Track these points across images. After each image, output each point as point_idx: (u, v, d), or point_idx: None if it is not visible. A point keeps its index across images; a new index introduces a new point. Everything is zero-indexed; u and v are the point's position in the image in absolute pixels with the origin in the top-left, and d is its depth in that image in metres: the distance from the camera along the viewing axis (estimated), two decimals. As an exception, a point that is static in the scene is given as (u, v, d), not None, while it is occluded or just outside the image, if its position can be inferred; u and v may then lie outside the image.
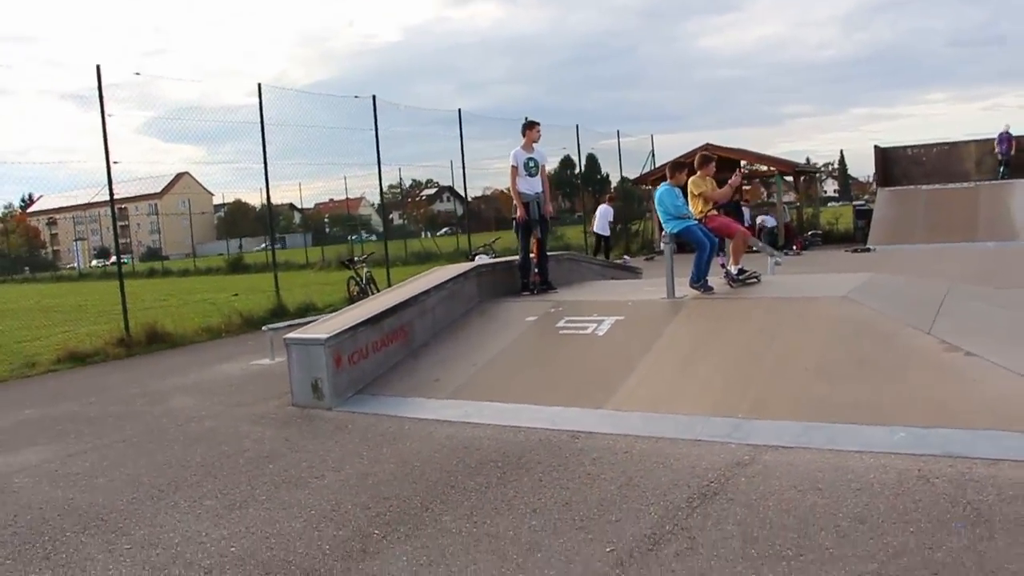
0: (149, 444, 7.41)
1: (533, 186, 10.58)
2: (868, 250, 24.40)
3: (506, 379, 8.04)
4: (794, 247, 26.20)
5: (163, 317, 15.60)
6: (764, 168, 31.10)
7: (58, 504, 5.91)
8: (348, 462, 6.38)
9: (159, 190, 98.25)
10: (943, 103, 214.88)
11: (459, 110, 22.38)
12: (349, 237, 51.79)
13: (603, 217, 25.34)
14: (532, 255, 10.72)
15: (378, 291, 18.27)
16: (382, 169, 19.36)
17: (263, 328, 12.14)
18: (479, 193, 61.92)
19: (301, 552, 4.69)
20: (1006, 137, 28.25)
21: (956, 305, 8.82)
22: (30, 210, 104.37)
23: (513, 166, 10.46)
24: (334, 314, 9.76)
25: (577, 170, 34.59)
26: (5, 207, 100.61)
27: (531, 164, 10.52)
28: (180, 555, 4.77)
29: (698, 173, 9.80)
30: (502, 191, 58.10)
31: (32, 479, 6.62)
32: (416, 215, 73.79)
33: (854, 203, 39.55)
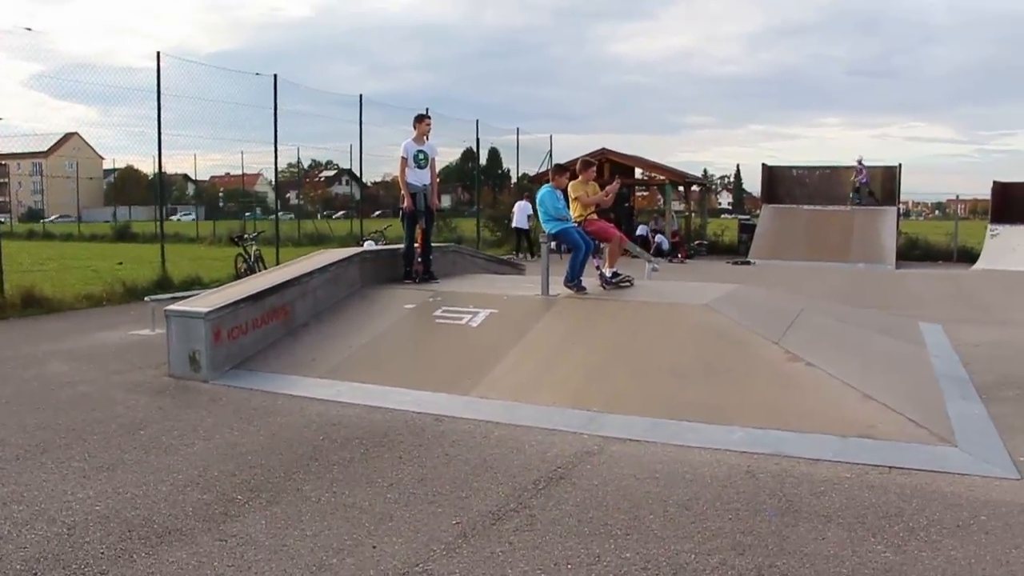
0: (18, 407, 7.42)
1: (421, 178, 10.88)
2: (748, 263, 25.47)
3: (379, 362, 8.35)
4: (679, 255, 27.09)
5: (42, 281, 15.30)
6: (660, 177, 31.97)
7: (-79, 458, 5.96)
8: (218, 432, 6.60)
9: (45, 149, 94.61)
10: (837, 127, 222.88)
11: (360, 96, 22.52)
12: (244, 214, 50.96)
13: (522, 212, 25.97)
14: (417, 245, 11.03)
15: (266, 270, 18.31)
16: (278, 148, 19.32)
17: (145, 299, 12.15)
18: (379, 179, 61.63)
19: (165, 513, 4.91)
20: (860, 169, 29.77)
21: (809, 319, 9.50)
22: None
23: (403, 157, 10.74)
24: (217, 289, 9.90)
25: (478, 163, 34.95)
26: None
27: (420, 156, 10.82)
28: (44, 512, 4.93)
29: (579, 177, 10.27)
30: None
31: None
32: (313, 196, 73.01)
33: (739, 217, 40.99)
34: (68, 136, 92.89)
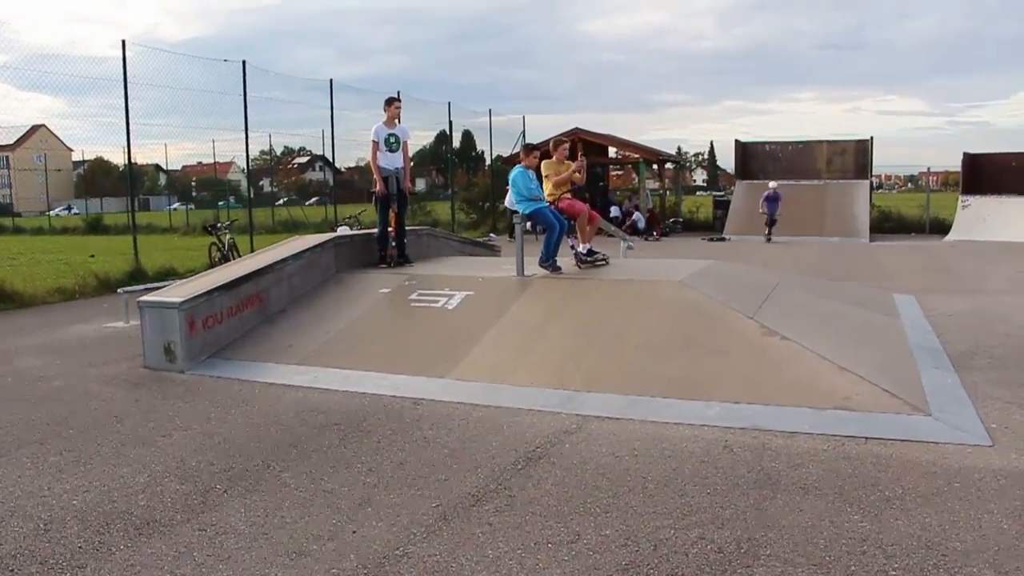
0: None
1: (393, 161, 10.84)
2: (723, 239, 25.62)
3: (356, 347, 8.33)
4: (654, 233, 27.16)
5: (12, 276, 15.14)
6: (634, 155, 32.00)
7: None
8: (196, 422, 6.57)
9: (11, 142, 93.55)
10: (810, 102, 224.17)
11: (330, 80, 22.34)
12: (218, 203, 50.68)
13: None
14: (391, 229, 10.99)
15: (240, 258, 18.20)
16: (249, 136, 19.20)
17: (118, 291, 12.03)
18: (353, 164, 61.42)
19: (143, 504, 4.89)
20: (773, 196, 26.31)
21: (783, 294, 9.55)
22: None
23: (374, 141, 10.69)
24: (191, 278, 9.82)
25: (451, 146, 34.85)
26: None
27: (392, 140, 10.77)
28: (20, 508, 4.89)
29: (552, 157, 10.26)
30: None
31: None
32: (287, 183, 72.60)
33: (714, 194, 41.16)
34: (35, 128, 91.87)
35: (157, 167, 73.48)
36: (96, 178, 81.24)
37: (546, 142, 11.03)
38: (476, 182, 34.58)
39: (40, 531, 4.55)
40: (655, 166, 34.10)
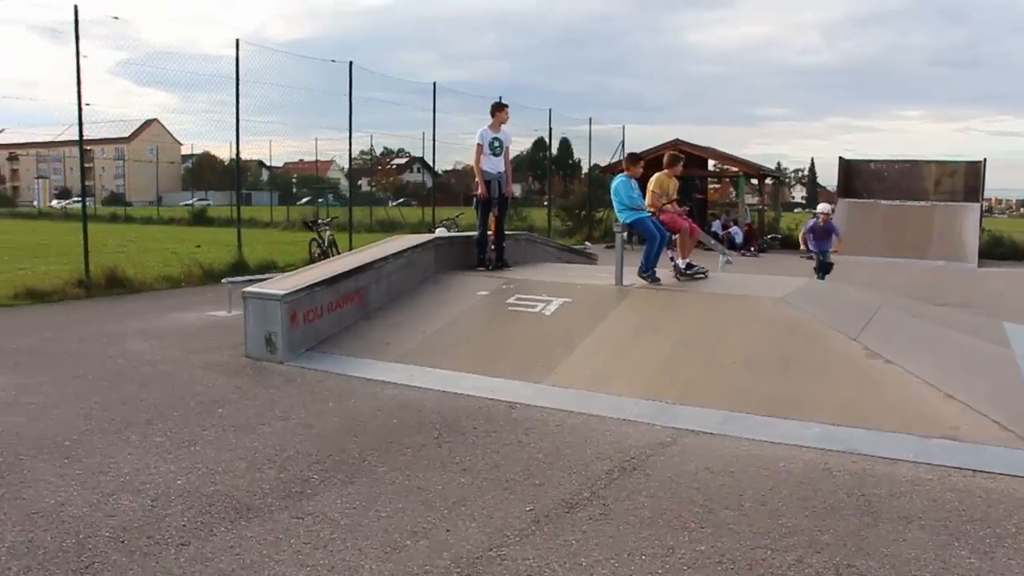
0: (103, 382, 7.66)
1: (496, 165, 10.90)
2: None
3: (453, 348, 8.39)
4: (752, 248, 26.73)
5: (124, 262, 15.72)
6: (733, 169, 31.57)
7: (13, 429, 6.16)
8: (294, 412, 6.70)
9: (127, 135, 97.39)
10: (917, 120, 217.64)
11: (434, 83, 22.60)
12: (316, 200, 51.78)
13: None
14: (490, 232, 11.04)
15: (339, 254, 18.52)
16: (353, 135, 19.54)
17: (223, 281, 12.41)
18: (450, 167, 62.12)
19: (243, 489, 5.00)
20: (823, 227, 15.27)
21: (887, 316, 9.27)
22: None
23: (478, 144, 10.76)
24: (292, 273, 10.02)
25: (549, 152, 34.91)
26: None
27: (496, 144, 10.83)
28: (129, 483, 5.07)
29: (665, 171, 10.17)
30: (472, 166, 58.11)
31: (-13, 405, 6.86)
32: (384, 183, 73.83)
33: (814, 211, 40.30)
34: (149, 122, 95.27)
35: (260, 163, 75.30)
36: (202, 172, 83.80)
37: (651, 151, 10.95)
38: (572, 189, 34.54)
39: (147, 507, 4.70)
40: (754, 181, 33.56)
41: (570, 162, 43.82)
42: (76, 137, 14.67)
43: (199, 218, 42.85)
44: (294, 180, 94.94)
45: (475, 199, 11.10)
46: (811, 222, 15.08)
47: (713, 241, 14.97)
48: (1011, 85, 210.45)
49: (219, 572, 3.95)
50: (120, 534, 4.32)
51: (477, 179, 10.86)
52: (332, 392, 7.35)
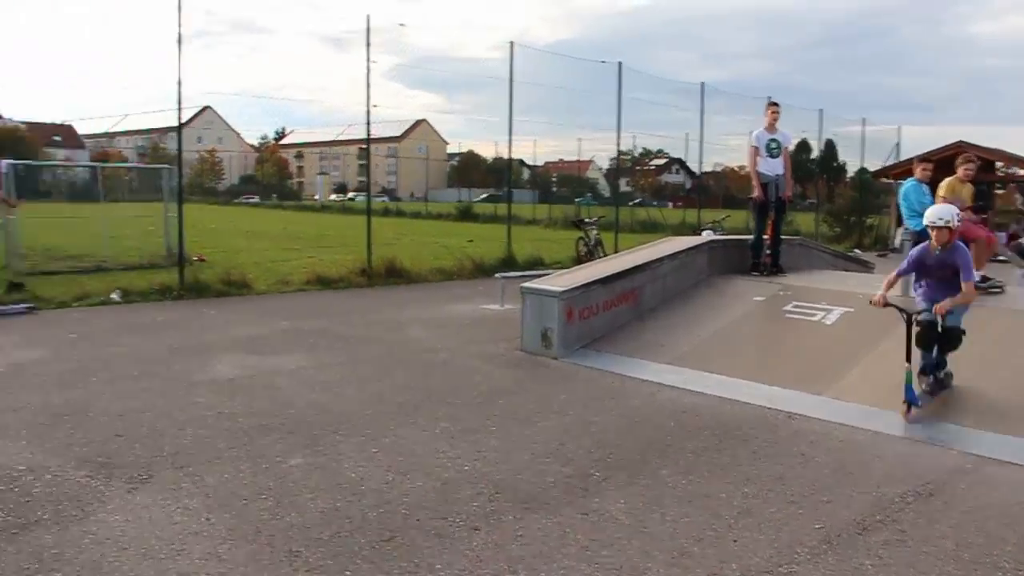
0: (390, 366, 8.15)
1: (773, 168, 10.60)
2: None
3: (729, 353, 8.23)
4: (1046, 261, 24.48)
5: (400, 254, 16.60)
6: (1021, 172, 28.96)
7: (314, 405, 6.68)
8: (571, 408, 6.81)
9: (399, 134, 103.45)
10: None
11: (702, 84, 22.35)
12: (575, 199, 52.52)
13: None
14: (766, 237, 10.75)
15: (605, 254, 18.66)
16: (620, 135, 19.63)
17: (496, 276, 12.82)
18: (710, 168, 61.21)
19: (528, 481, 5.14)
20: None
21: None
22: (282, 142, 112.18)
23: (754, 146, 10.50)
24: (567, 270, 10.21)
25: (813, 155, 33.56)
26: (261, 139, 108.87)
27: (772, 145, 10.52)
28: (421, 464, 5.35)
29: (958, 175, 9.42)
30: (733, 168, 56.95)
31: (291, 381, 7.46)
32: (643, 184, 73.85)
33: None
34: (418, 123, 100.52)
35: (520, 162, 77.44)
36: (468, 170, 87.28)
37: (933, 152, 10.23)
38: (840, 193, 32.99)
39: (438, 489, 4.93)
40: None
41: (834, 164, 41.91)
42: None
43: (465, 214, 44.51)
44: (554, 179, 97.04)
45: (751, 202, 10.85)
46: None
47: (1010, 253, 13.83)
48: None
49: (510, 559, 4.07)
50: (415, 512, 4.57)
51: (754, 182, 10.59)
52: (608, 391, 7.41)
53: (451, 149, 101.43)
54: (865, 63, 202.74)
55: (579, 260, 17.84)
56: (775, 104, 10.80)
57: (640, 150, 73.45)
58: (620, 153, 21.48)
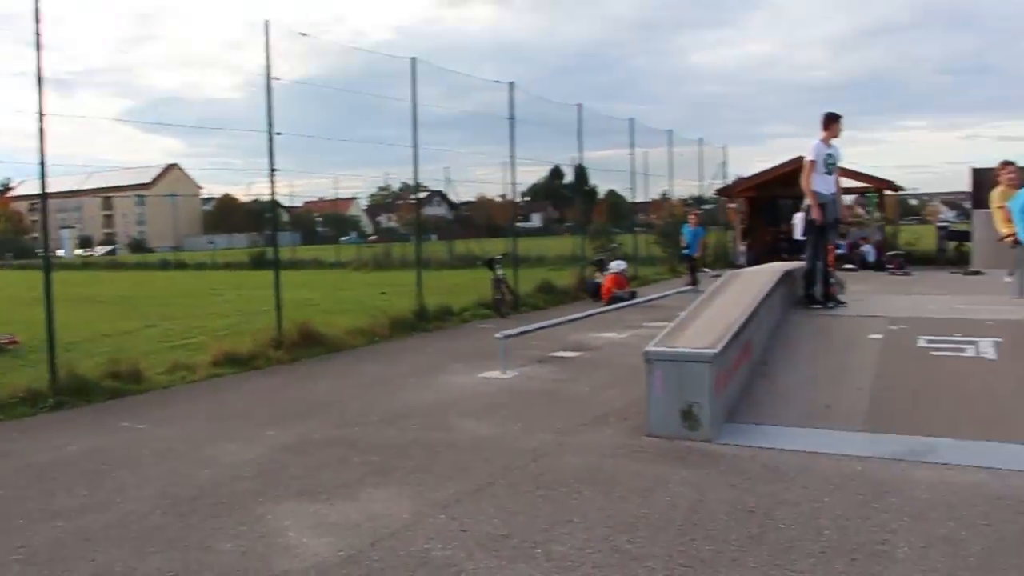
0: (511, 490, 5.74)
1: (830, 186, 9.34)
2: (978, 273, 23.32)
3: (923, 408, 6.70)
4: (890, 267, 25.12)
5: (296, 315, 13.61)
6: (861, 185, 29.68)
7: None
8: (793, 522, 4.91)
9: (149, 180, 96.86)
10: (923, 130, 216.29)
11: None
12: (339, 238, 50.43)
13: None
14: (823, 263, 9.37)
15: (512, 294, 16.72)
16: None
17: (496, 336, 10.18)
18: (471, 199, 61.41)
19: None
20: None
21: None
22: (11, 194, 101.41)
23: (812, 160, 9.13)
24: (679, 322, 7.83)
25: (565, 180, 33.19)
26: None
27: (830, 160, 9.22)
28: None
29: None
30: (485, 197, 55.27)
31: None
32: (407, 219, 72.08)
33: (938, 223, 38.87)
34: (169, 167, 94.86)
35: (275, 203, 74.32)
36: (227, 214, 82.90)
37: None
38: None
39: None
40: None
41: (585, 188, 42.00)
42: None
43: (259, 261, 40.08)
44: (319, 218, 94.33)
45: (807, 225, 9.36)
46: None
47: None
48: (1019, 89, 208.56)
49: None
50: None
51: (811, 202, 9.16)
52: (822, 486, 5.48)
53: (204, 194, 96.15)
54: (604, 92, 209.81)
55: (495, 304, 16.01)
56: (838, 116, 9.32)
57: (399, 185, 71.51)
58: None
